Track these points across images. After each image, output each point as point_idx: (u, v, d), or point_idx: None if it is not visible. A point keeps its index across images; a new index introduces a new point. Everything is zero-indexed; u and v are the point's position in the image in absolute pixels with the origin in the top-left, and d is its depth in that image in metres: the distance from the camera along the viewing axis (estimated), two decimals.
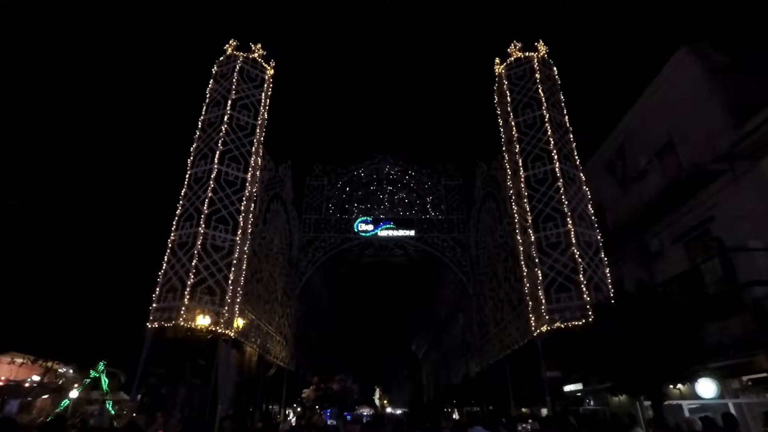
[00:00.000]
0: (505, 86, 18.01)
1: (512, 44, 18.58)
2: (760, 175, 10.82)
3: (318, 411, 24.66)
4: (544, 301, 13.91)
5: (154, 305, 13.63)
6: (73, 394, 18.22)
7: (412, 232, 24.50)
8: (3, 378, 22.05)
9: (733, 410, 9.56)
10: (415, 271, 30.35)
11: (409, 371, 62.28)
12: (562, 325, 13.28)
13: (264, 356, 18.60)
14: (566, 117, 16.96)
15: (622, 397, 11.99)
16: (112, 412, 16.85)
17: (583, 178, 15.93)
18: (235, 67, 17.62)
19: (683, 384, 9.54)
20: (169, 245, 14.48)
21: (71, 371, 23.76)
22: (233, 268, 14.66)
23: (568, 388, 15.29)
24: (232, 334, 14.51)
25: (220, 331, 13.85)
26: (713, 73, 12.83)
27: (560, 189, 15.05)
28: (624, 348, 8.80)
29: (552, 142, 15.80)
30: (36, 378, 22.67)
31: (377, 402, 59.37)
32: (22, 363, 23.23)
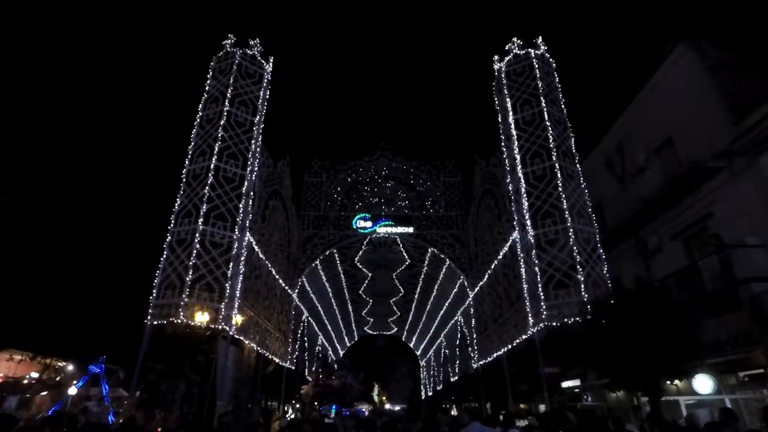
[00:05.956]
0: (503, 83, 17.97)
1: (511, 41, 18.53)
2: (759, 172, 10.85)
3: (317, 407, 24.73)
4: (542, 297, 13.94)
5: (152, 302, 13.62)
6: (72, 390, 18.23)
7: (410, 229, 24.49)
8: (2, 375, 22.08)
9: (729, 406, 9.62)
10: (414, 267, 30.39)
11: (408, 367, 62.46)
12: (560, 322, 13.32)
13: (263, 353, 18.63)
14: (565, 113, 16.94)
15: (620, 393, 12.05)
16: (111, 409, 16.88)
17: (582, 174, 15.93)
18: (233, 63, 17.53)
19: (680, 380, 9.57)
20: (168, 242, 14.45)
21: (70, 368, 23.78)
22: (232, 265, 14.65)
23: (566, 384, 15.37)
24: (231, 331, 14.52)
25: (219, 327, 13.86)
26: (712, 69, 12.83)
27: (559, 186, 15.04)
28: (622, 344, 8.83)
29: (551, 139, 15.79)
30: (35, 375, 22.70)
31: (376, 398, 59.58)
32: (21, 360, 23.27)
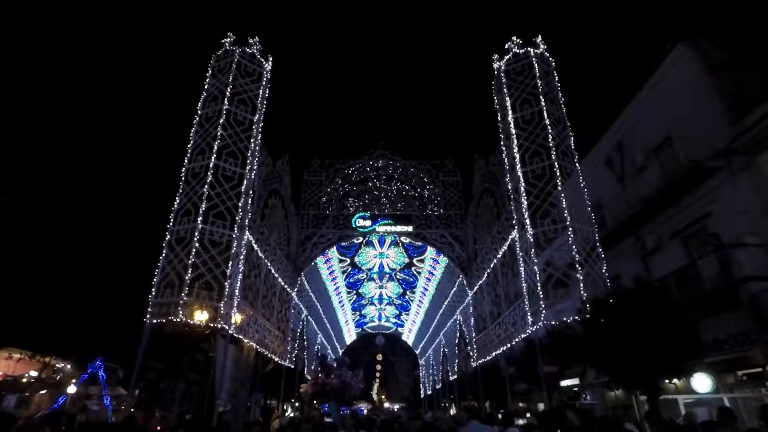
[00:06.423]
0: (503, 82, 17.96)
1: (511, 40, 18.51)
2: (758, 172, 10.86)
3: (317, 406, 24.76)
4: (541, 296, 13.95)
5: (151, 300, 13.60)
6: (71, 389, 18.23)
7: (410, 228, 24.51)
8: (1, 373, 22.05)
9: (728, 405, 9.64)
10: (413, 266, 30.41)
11: (407, 366, 62.58)
12: (559, 321, 13.34)
13: (262, 352, 18.64)
14: (564, 113, 16.94)
15: (619, 392, 12.07)
16: (110, 408, 16.87)
17: (581, 173, 15.94)
18: (232, 61, 17.48)
19: (679, 379, 9.60)
20: (167, 240, 14.44)
21: (69, 366, 23.78)
22: (231, 264, 14.64)
23: (565, 382, 15.40)
24: (230, 330, 14.52)
25: (218, 326, 13.85)
26: (712, 69, 12.82)
27: (558, 185, 15.05)
28: (620, 343, 8.85)
29: (550, 138, 15.79)
30: (34, 373, 22.68)
31: (375, 397, 59.69)
32: (20, 358, 23.22)
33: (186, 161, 15.79)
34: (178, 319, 13.13)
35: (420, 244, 25.59)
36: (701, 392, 10.67)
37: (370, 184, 26.32)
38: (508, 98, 17.43)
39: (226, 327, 14.22)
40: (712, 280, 11.00)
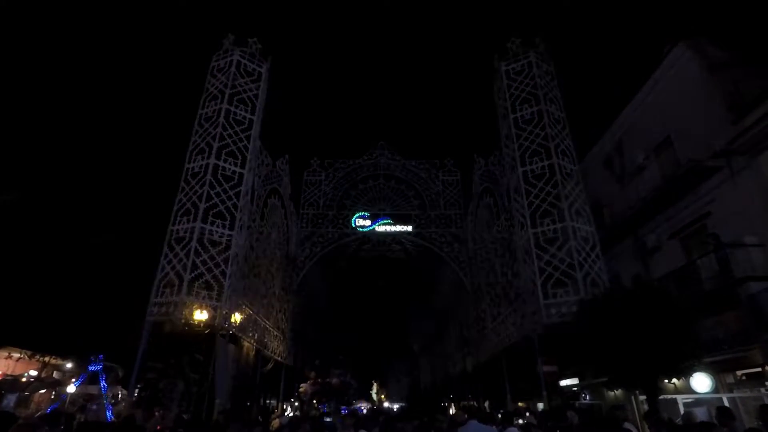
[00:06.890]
0: (503, 82, 17.96)
1: (511, 40, 18.51)
2: (757, 172, 10.87)
3: (315, 405, 24.80)
4: (540, 296, 13.95)
5: (151, 300, 13.61)
6: (71, 388, 18.26)
7: (409, 228, 24.52)
8: (0, 372, 22.09)
9: (727, 404, 9.65)
10: (413, 266, 30.39)
11: (406, 366, 62.62)
12: (559, 320, 13.33)
13: (262, 351, 18.65)
14: (564, 112, 16.93)
15: (618, 392, 12.07)
16: (110, 407, 16.89)
17: (581, 173, 15.94)
18: (232, 61, 17.49)
19: (678, 378, 9.60)
20: (167, 240, 14.44)
21: (69, 366, 23.79)
22: (231, 263, 14.64)
23: (564, 382, 15.39)
24: (230, 329, 14.52)
25: (217, 325, 13.85)
26: (711, 69, 12.83)
27: (558, 184, 15.06)
28: (620, 343, 8.85)
29: (550, 138, 15.79)
30: (33, 373, 22.73)
31: (374, 396, 59.76)
32: (20, 358, 23.27)
33: (186, 161, 15.80)
34: (178, 319, 13.14)
35: (420, 243, 25.56)
36: (700, 392, 10.67)
37: (369, 183, 26.33)
38: (507, 98, 17.43)
39: (226, 327, 14.23)
40: (712, 280, 11.01)
